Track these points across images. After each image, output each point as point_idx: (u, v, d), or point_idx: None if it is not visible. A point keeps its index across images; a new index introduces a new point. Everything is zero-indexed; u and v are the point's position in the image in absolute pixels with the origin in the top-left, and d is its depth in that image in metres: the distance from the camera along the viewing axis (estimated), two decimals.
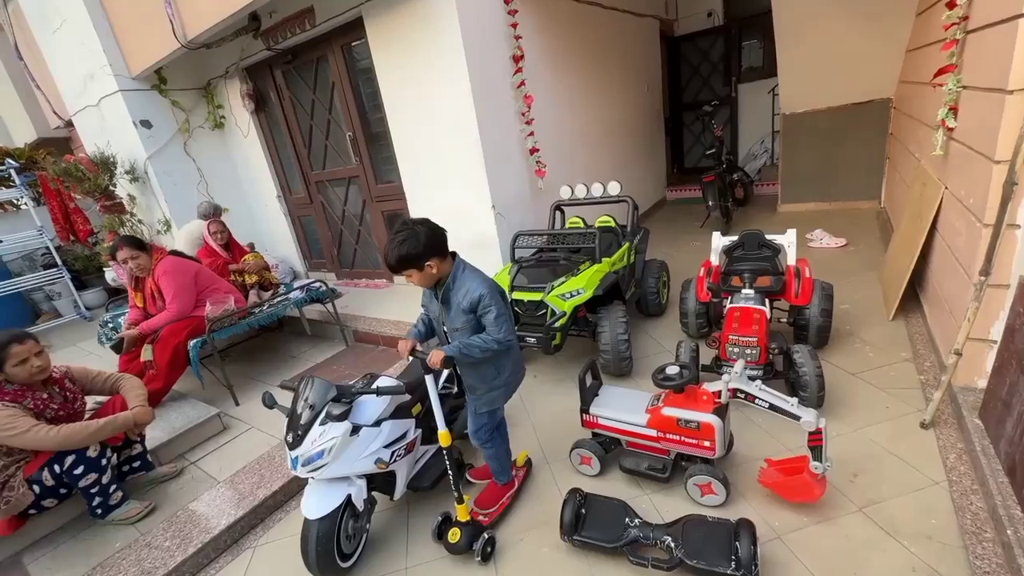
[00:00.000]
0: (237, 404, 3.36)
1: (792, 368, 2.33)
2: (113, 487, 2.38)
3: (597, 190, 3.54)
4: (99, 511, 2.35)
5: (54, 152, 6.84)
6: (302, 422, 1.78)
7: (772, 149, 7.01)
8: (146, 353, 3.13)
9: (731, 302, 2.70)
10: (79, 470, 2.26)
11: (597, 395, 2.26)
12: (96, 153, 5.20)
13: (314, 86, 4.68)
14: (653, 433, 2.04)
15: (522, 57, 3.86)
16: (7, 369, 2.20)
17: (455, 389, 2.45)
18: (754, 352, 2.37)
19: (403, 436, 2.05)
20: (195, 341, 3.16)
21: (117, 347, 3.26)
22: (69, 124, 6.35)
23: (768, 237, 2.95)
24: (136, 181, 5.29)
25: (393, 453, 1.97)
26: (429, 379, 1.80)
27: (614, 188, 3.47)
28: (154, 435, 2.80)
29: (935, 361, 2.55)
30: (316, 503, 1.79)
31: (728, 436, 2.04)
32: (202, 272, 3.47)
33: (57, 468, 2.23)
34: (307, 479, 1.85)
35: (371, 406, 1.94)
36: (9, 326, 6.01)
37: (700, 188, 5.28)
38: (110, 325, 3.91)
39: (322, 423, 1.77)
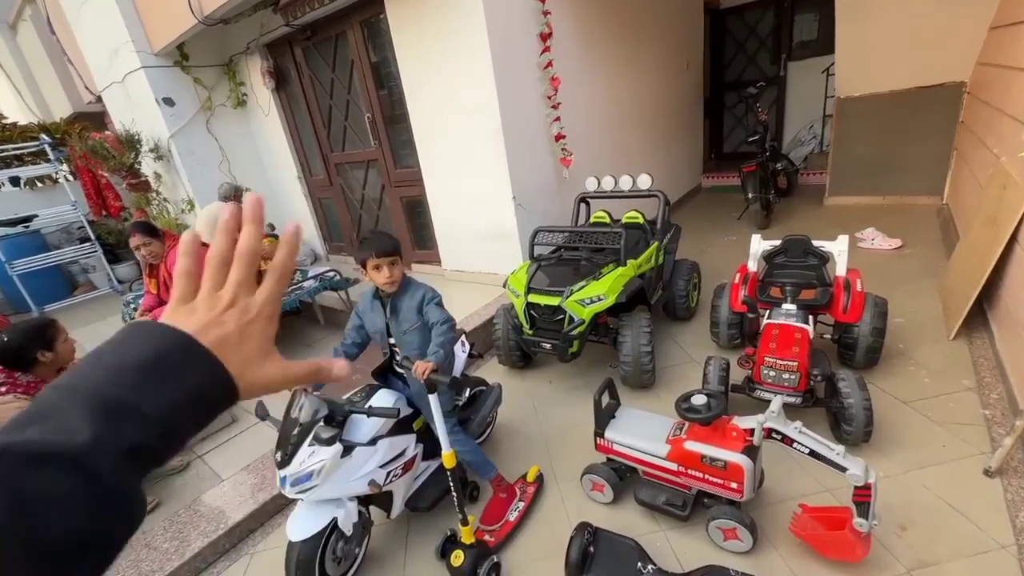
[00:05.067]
0: None
1: (836, 397, 2.08)
2: None
3: (626, 183, 3.27)
4: None
5: (89, 127, 6.94)
6: (291, 441, 1.67)
7: (822, 135, 6.46)
8: None
9: (769, 316, 2.44)
10: None
11: (614, 417, 2.07)
12: (122, 131, 5.21)
13: (333, 64, 4.50)
14: (673, 467, 1.85)
15: (550, 35, 3.56)
16: (58, 347, 2.26)
17: (463, 399, 2.31)
18: (793, 377, 2.13)
19: (401, 454, 1.92)
20: None
21: None
22: (100, 99, 6.40)
23: (816, 244, 2.65)
24: (160, 159, 5.29)
25: (389, 474, 1.85)
26: (432, 398, 1.67)
27: (645, 181, 3.20)
28: None
29: (1003, 393, 2.24)
30: (300, 525, 1.70)
31: (759, 474, 1.83)
32: None
33: None
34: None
35: (367, 422, 1.82)
36: (48, 297, 6.25)
37: (739, 177, 4.90)
38: (132, 306, 3.94)
39: (310, 444, 1.65)
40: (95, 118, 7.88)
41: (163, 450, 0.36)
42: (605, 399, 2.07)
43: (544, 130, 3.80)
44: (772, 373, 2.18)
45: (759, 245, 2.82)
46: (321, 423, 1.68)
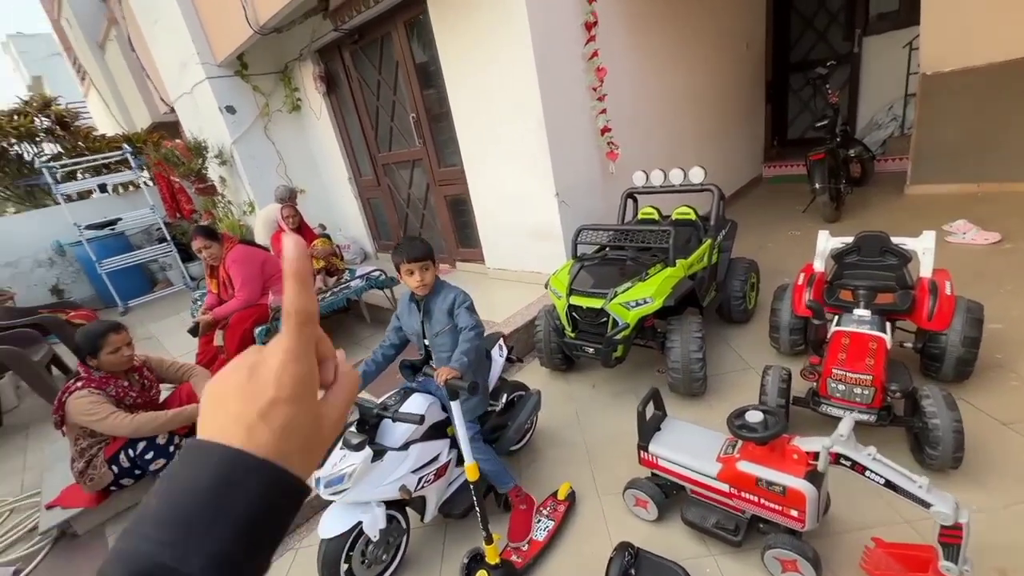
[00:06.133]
0: None
1: (919, 416, 1.84)
2: None
3: (676, 176, 3.07)
4: None
5: (165, 135, 7.52)
6: None
7: (903, 117, 5.83)
8: (218, 339, 3.29)
9: (839, 323, 2.19)
10: (149, 455, 2.41)
11: (659, 429, 1.94)
12: (191, 138, 5.58)
13: (379, 66, 4.57)
14: (724, 488, 1.70)
15: (595, 23, 3.41)
16: (102, 356, 2.35)
17: (500, 405, 2.26)
18: (866, 393, 1.90)
19: (434, 460, 1.90)
20: (260, 328, 3.27)
21: (194, 331, 3.47)
22: (174, 109, 6.91)
23: (895, 240, 2.36)
24: (224, 164, 5.61)
25: (421, 479, 1.83)
26: (455, 405, 1.62)
27: (697, 175, 2.99)
28: None
29: None
30: (329, 523, 1.73)
31: (824, 501, 1.64)
32: (269, 260, 3.56)
33: (131, 452, 2.39)
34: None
35: (399, 427, 1.80)
36: (132, 293, 6.83)
37: (805, 166, 4.51)
38: (198, 303, 4.20)
39: (342, 447, 1.66)
40: (171, 127, 8.53)
41: None
42: (650, 410, 1.95)
43: (589, 123, 3.65)
44: (841, 387, 1.95)
45: (827, 242, 2.55)
46: (352, 428, 1.68)
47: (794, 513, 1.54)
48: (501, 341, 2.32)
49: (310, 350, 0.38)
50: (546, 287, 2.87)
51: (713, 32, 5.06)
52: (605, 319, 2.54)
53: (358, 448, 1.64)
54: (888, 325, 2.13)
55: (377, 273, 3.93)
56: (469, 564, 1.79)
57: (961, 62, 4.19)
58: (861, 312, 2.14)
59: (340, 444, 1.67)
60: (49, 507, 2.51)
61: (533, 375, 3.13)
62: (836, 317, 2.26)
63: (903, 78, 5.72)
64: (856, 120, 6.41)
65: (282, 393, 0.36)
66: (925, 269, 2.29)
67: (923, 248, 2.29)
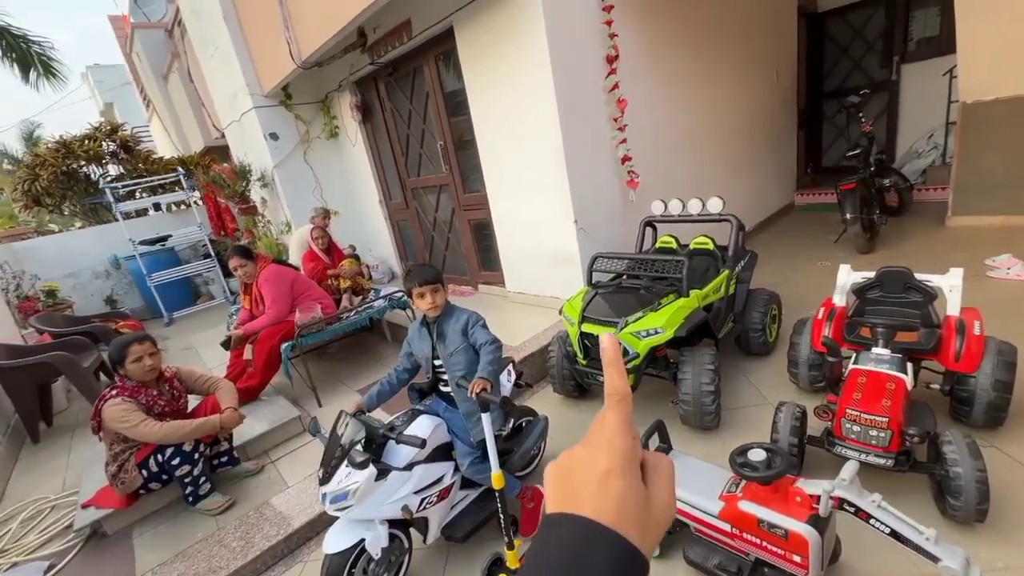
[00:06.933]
0: (320, 405, 3.57)
1: (940, 463, 1.75)
2: (203, 479, 2.64)
3: (695, 207, 3.07)
4: (190, 498, 2.63)
5: (216, 158, 8.05)
6: (333, 460, 1.75)
7: (945, 145, 5.62)
8: (247, 353, 3.46)
9: (856, 361, 2.12)
10: (176, 461, 2.54)
11: None
12: (237, 163, 5.97)
13: (411, 96, 4.80)
14: (726, 527, 1.65)
15: (616, 57, 3.50)
16: (127, 365, 2.52)
17: (507, 430, 2.28)
18: (882, 436, 1.82)
19: (437, 481, 1.93)
20: (286, 344, 3.42)
21: (226, 344, 3.66)
22: (224, 135, 7.42)
23: (920, 277, 2.28)
24: (265, 187, 5.96)
25: (423, 500, 1.86)
26: (486, 417, 1.70)
27: (715, 205, 2.98)
28: (245, 429, 3.06)
29: None
30: (333, 538, 1.78)
31: (832, 545, 1.58)
32: (299, 280, 3.74)
33: (160, 457, 2.54)
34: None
35: (404, 447, 1.86)
36: (177, 305, 7.24)
37: (837, 195, 4.41)
38: (232, 317, 4.43)
39: (347, 465, 1.72)
40: (221, 150, 9.13)
41: None
42: (655, 442, 1.93)
43: (609, 153, 3.71)
44: (856, 428, 1.88)
45: (848, 276, 2.48)
46: (359, 446, 1.74)
47: (797, 559, 1.49)
48: (510, 366, 2.35)
49: (630, 426, 0.40)
50: (560, 313, 2.90)
51: (741, 62, 5.07)
52: None
53: (363, 466, 1.70)
54: (910, 365, 2.05)
55: (399, 294, 4.05)
56: (490, 568, 1.82)
57: (1003, 91, 4.04)
58: (880, 351, 2.07)
59: (346, 462, 1.73)
60: (84, 506, 2.67)
61: (545, 401, 3.13)
62: (855, 355, 2.19)
63: (944, 106, 5.54)
64: (895, 148, 6.22)
65: (614, 463, 0.37)
66: (952, 307, 2.19)
67: (950, 285, 2.20)
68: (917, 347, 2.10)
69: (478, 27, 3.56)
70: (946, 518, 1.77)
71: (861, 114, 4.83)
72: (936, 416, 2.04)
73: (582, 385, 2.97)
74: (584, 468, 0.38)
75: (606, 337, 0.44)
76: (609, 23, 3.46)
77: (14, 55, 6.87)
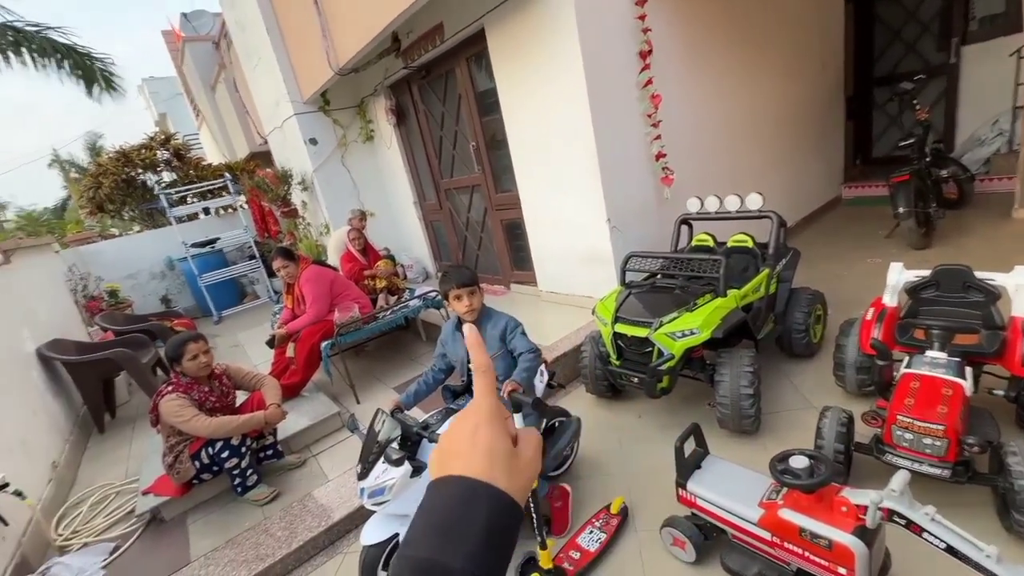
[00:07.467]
0: (358, 402, 3.68)
1: (1004, 474, 1.64)
2: (250, 471, 2.78)
3: (732, 203, 2.98)
4: (239, 489, 2.77)
5: (260, 163, 8.40)
6: (371, 456, 1.81)
7: (1012, 131, 5.21)
8: (290, 350, 3.61)
9: (909, 364, 2.01)
10: (225, 454, 2.68)
11: (699, 467, 1.88)
12: (279, 168, 6.22)
13: (443, 98, 4.87)
14: (766, 536, 1.61)
15: (650, 52, 3.43)
16: (184, 363, 2.68)
17: (540, 431, 2.29)
18: (937, 445, 1.72)
19: None
20: (326, 343, 3.54)
21: (270, 343, 3.83)
22: (267, 141, 7.74)
23: (981, 276, 2.13)
24: (306, 190, 6.18)
25: None
26: (518, 418, 1.72)
27: (754, 201, 2.89)
28: (288, 424, 3.18)
29: None
30: (370, 531, 1.85)
31: (881, 558, 1.51)
32: (337, 280, 3.87)
33: (210, 450, 2.68)
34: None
35: None
36: (225, 304, 7.62)
37: (888, 188, 4.17)
38: (276, 316, 4.63)
39: (384, 462, 1.77)
40: (264, 156, 9.52)
41: None
42: (691, 446, 1.89)
43: (643, 149, 3.65)
44: (908, 436, 1.78)
45: (900, 275, 2.35)
46: (395, 444, 1.79)
47: (842, 571, 1.43)
48: (543, 367, 2.36)
49: (493, 390, 0.49)
50: (593, 313, 2.88)
51: (782, 55, 4.87)
52: (651, 348, 2.50)
53: (398, 463, 1.74)
54: (969, 370, 1.92)
55: (433, 294, 4.13)
56: (523, 567, 1.85)
57: None
58: (935, 354, 1.95)
59: (383, 459, 1.78)
60: (144, 493, 2.86)
61: (578, 401, 3.12)
62: (908, 357, 2.07)
63: (1011, 89, 5.14)
64: (954, 136, 5.82)
65: (481, 417, 0.46)
66: (1019, 308, 2.04)
67: (1016, 284, 2.05)
68: (977, 350, 1.97)
69: (510, 27, 3.56)
70: (1011, 535, 1.66)
71: (916, 101, 4.55)
72: (1000, 425, 1.91)
73: (615, 386, 2.94)
74: (458, 431, 0.46)
75: (467, 326, 0.55)
76: (642, 17, 3.39)
77: (80, 72, 7.38)
